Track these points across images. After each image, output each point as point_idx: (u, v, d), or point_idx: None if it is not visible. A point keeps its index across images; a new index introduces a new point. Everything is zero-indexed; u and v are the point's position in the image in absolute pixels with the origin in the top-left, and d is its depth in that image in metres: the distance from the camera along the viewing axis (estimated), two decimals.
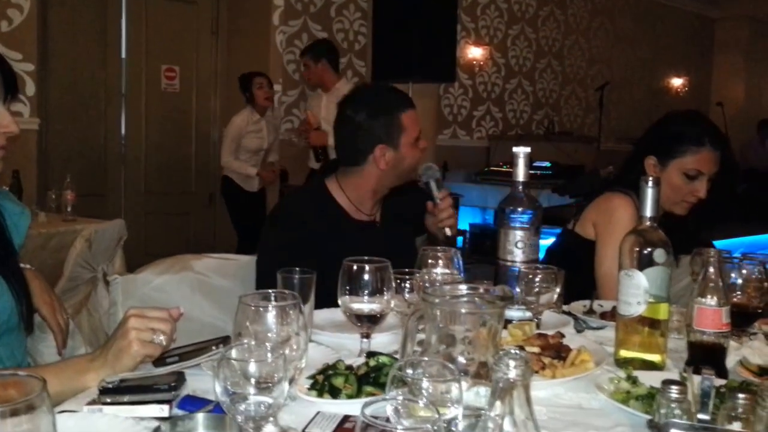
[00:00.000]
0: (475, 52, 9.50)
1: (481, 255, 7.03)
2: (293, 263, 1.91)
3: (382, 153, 2.64)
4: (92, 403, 1.45)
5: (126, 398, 1.44)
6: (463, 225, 7.71)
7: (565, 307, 2.35)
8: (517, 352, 0.99)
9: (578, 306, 2.39)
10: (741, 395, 1.30)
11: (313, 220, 2.59)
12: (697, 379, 1.43)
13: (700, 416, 1.38)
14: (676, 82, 13.21)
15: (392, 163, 2.65)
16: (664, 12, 12.74)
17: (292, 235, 2.56)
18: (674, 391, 1.30)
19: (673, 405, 1.30)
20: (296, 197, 2.87)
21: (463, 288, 1.40)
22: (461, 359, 1.29)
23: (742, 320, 2.03)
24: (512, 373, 0.95)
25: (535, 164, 8.18)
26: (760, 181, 10.66)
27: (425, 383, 1.16)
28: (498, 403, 0.97)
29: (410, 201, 2.85)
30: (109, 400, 1.44)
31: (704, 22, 14.02)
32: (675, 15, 13.08)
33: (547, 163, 8.57)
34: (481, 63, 9.62)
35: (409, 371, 1.18)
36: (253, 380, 1.19)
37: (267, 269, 2.45)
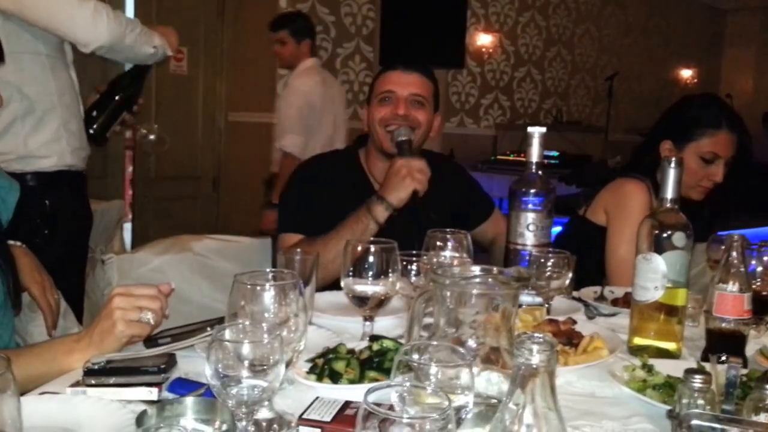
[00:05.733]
0: (484, 39, 9.37)
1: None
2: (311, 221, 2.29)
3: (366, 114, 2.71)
4: (76, 384, 1.38)
5: (112, 380, 1.37)
6: None
7: (575, 293, 2.28)
8: (541, 335, 0.90)
9: (589, 292, 2.33)
10: None
11: (333, 181, 2.63)
12: (722, 368, 1.36)
13: (725, 407, 1.30)
14: (686, 73, 13.10)
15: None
16: (675, 2, 12.60)
17: (312, 193, 2.61)
18: (698, 381, 1.24)
19: (696, 395, 1.24)
20: (326, 157, 2.91)
21: (475, 269, 1.33)
22: (471, 343, 1.21)
23: (760, 308, 1.98)
24: (535, 359, 0.87)
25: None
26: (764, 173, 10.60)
27: (433, 368, 1.08)
28: (518, 392, 0.88)
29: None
30: (93, 382, 1.37)
31: (715, 13, 13.89)
32: (686, 5, 12.95)
33: (554, 153, 8.51)
34: (491, 50, 9.49)
35: (416, 356, 1.10)
36: (246, 362, 1.12)
37: (287, 224, 2.59)
